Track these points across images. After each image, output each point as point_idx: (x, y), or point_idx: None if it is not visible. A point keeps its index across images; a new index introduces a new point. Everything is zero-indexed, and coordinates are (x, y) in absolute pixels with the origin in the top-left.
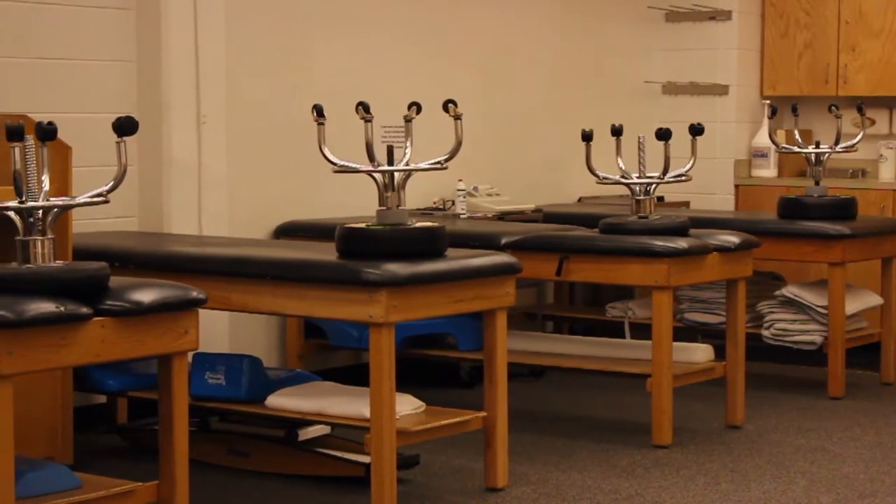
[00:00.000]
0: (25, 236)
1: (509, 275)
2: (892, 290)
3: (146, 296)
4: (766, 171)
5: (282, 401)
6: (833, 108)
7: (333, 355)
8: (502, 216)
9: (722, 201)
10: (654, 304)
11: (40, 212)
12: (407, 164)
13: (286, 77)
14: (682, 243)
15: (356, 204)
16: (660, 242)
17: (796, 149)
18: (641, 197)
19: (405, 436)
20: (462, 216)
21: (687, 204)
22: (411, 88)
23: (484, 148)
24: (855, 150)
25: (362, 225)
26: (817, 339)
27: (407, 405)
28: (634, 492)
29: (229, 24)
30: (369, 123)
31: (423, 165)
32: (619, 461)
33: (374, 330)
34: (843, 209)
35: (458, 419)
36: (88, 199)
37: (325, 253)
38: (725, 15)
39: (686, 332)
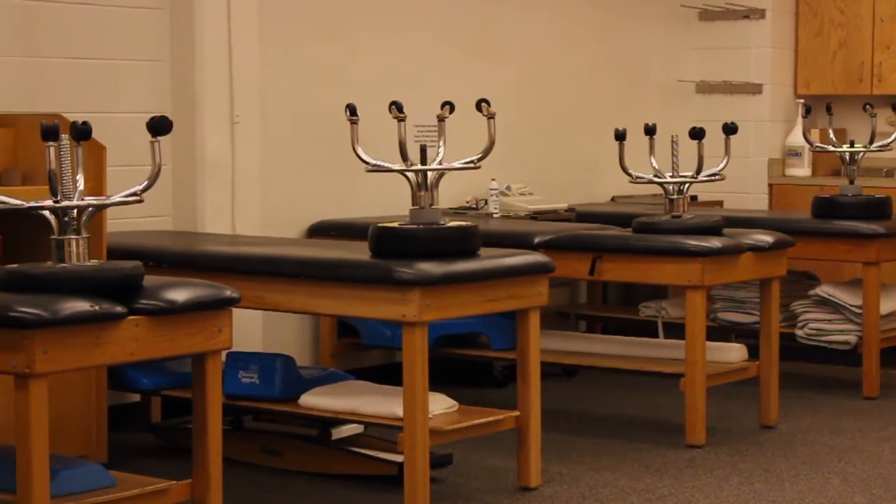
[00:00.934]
0: (60, 235)
1: (542, 274)
2: None
3: (180, 295)
4: (800, 170)
5: (315, 400)
6: (867, 106)
7: (366, 354)
8: (535, 215)
9: (756, 200)
10: (687, 304)
11: (75, 211)
12: (440, 164)
13: (319, 76)
14: (715, 243)
15: (389, 203)
16: (693, 242)
17: (830, 148)
18: (675, 196)
19: (438, 435)
20: (495, 215)
21: (720, 203)
22: (444, 88)
23: (517, 147)
24: (890, 149)
25: (395, 224)
26: (851, 338)
27: (440, 404)
28: (667, 492)
29: (262, 24)
30: (402, 123)
31: (456, 165)
32: (653, 461)
33: (407, 329)
34: (878, 208)
35: (490, 418)
36: (123, 199)
37: (359, 252)
38: (759, 13)
39: (720, 332)
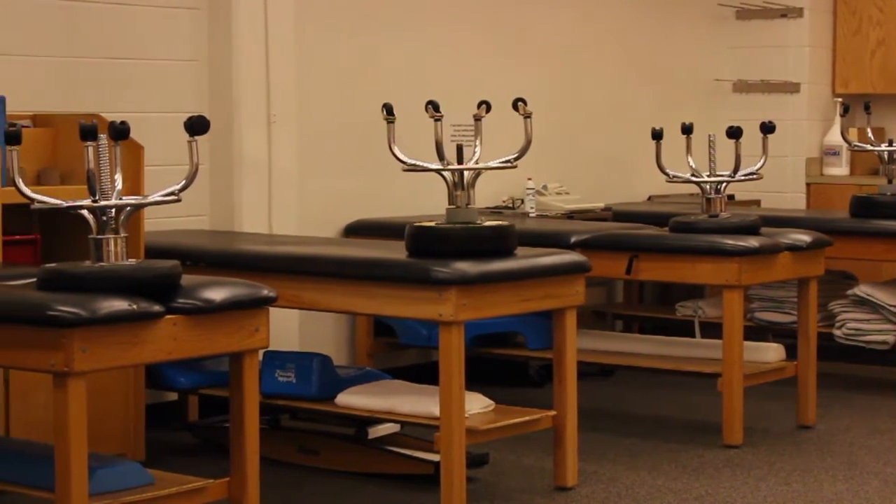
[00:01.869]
0: (98, 235)
1: (579, 273)
2: None
3: (217, 294)
4: (838, 169)
5: (352, 399)
6: None
7: (403, 354)
8: (572, 215)
9: (793, 200)
10: (724, 304)
11: (113, 210)
12: (476, 163)
13: (356, 76)
14: (753, 242)
15: (425, 202)
16: (730, 241)
17: (869, 147)
18: (712, 195)
19: (475, 434)
20: (531, 215)
21: (758, 202)
22: (481, 87)
23: (553, 146)
24: None
25: (432, 223)
26: (890, 338)
27: (476, 404)
28: (704, 492)
29: (299, 23)
30: (439, 122)
31: (492, 164)
32: (690, 461)
33: (443, 328)
34: None
35: (527, 418)
36: (160, 198)
37: (395, 251)
38: (797, 12)
39: (757, 332)
